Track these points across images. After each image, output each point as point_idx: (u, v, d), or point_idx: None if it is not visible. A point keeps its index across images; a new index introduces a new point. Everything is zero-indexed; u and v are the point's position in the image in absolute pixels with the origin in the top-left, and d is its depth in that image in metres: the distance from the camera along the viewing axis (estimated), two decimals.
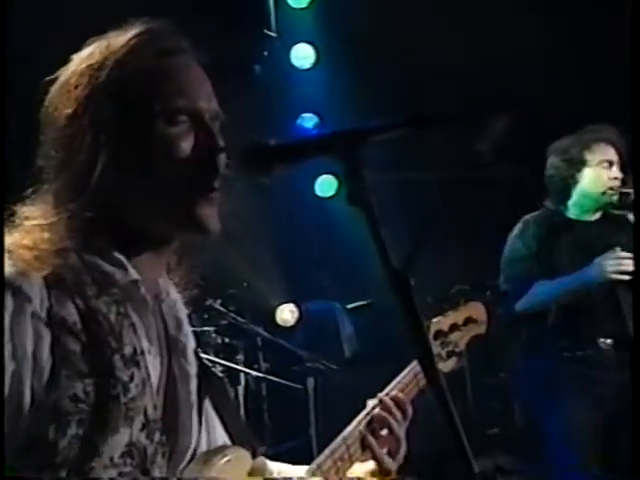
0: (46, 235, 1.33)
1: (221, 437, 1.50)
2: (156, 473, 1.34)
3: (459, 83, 5.89)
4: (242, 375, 5.11)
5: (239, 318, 5.24)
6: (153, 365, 1.38)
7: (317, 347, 5.53)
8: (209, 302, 5.17)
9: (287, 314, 5.86)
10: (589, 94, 6.12)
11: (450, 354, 1.97)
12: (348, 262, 5.54)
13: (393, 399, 1.71)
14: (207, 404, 1.50)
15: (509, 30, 5.80)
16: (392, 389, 1.74)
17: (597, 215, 3.60)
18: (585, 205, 3.56)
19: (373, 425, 1.68)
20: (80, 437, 1.26)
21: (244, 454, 1.44)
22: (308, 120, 6.31)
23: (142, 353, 1.36)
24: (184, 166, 1.37)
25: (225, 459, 1.40)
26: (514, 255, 3.60)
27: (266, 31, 6.17)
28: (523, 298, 3.49)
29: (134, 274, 1.36)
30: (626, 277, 3.29)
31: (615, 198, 3.46)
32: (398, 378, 1.77)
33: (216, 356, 4.91)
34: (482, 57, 5.85)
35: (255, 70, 6.16)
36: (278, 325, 5.82)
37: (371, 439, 1.66)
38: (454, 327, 2.00)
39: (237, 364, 5.03)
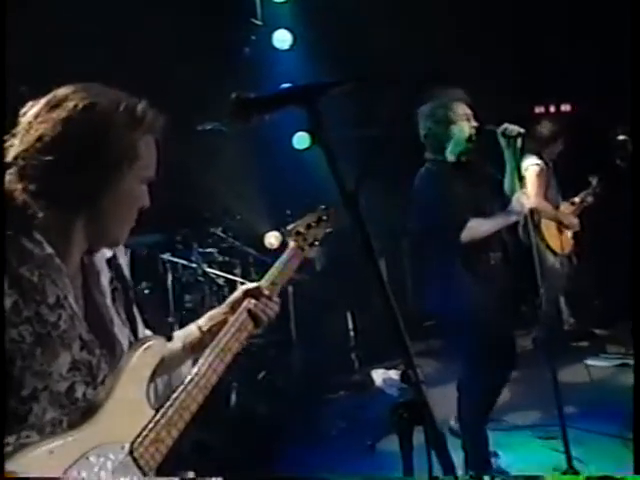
0: None
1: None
2: (101, 376, 1.37)
3: (405, 58, 5.79)
4: (239, 284, 5.10)
5: (236, 242, 5.24)
6: (77, 304, 1.38)
7: None
8: (213, 230, 5.15)
9: (272, 239, 5.85)
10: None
11: (311, 244, 2.03)
12: (317, 199, 5.48)
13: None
14: (137, 317, 1.53)
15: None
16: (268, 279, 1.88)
17: (463, 157, 3.52)
18: (457, 152, 3.50)
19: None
20: (27, 366, 1.26)
21: (160, 340, 1.47)
22: None
23: (65, 297, 1.35)
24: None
25: (144, 346, 1.43)
26: (442, 196, 3.35)
27: (253, 20, 6.06)
28: (465, 231, 3.27)
29: (49, 249, 1.35)
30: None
31: (472, 143, 3.46)
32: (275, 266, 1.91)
33: (220, 270, 4.91)
34: (432, 39, 5.76)
35: (244, 51, 6.06)
36: (265, 247, 5.80)
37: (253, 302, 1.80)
38: (309, 226, 2.05)
39: (235, 276, 5.02)
